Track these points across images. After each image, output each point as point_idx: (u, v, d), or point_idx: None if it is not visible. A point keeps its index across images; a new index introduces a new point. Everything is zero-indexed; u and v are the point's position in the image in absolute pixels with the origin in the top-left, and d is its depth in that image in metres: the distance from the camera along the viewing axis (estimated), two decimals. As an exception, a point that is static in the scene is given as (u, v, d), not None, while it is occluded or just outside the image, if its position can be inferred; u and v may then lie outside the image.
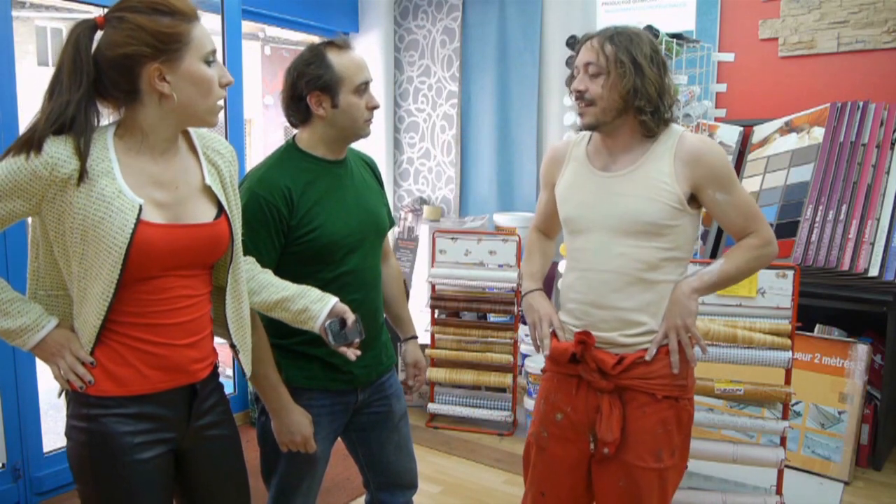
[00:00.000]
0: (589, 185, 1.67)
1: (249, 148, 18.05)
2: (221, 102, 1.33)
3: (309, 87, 1.60)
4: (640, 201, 1.58)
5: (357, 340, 1.51)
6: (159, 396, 1.31)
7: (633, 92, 1.54)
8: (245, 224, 1.50)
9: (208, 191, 1.37)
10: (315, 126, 1.65)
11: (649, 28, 2.96)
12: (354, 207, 1.69)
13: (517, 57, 4.21)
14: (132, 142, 1.27)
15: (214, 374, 1.45)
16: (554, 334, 1.71)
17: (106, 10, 1.25)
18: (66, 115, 1.20)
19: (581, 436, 1.68)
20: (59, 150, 1.19)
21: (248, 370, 1.51)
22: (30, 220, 1.30)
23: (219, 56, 1.35)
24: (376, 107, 1.66)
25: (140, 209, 1.23)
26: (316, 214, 1.61)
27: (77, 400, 1.29)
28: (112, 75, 1.23)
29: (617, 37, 1.56)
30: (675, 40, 3.02)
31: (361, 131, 1.67)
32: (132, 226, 1.22)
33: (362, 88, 1.63)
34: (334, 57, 1.60)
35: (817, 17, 3.38)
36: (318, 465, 1.74)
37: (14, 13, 2.78)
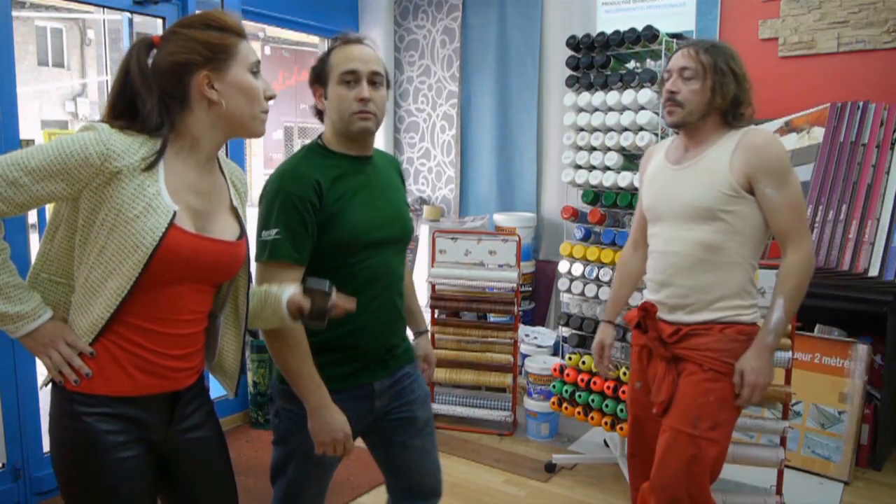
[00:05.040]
0: (662, 178, 1.91)
1: (249, 147, 18.04)
2: (266, 114, 1.38)
3: (310, 81, 1.65)
4: (697, 189, 1.79)
5: (332, 290, 1.43)
6: (143, 400, 1.32)
7: (732, 97, 1.77)
8: (280, 223, 1.53)
9: (234, 212, 1.43)
10: (326, 120, 1.65)
11: (649, 28, 2.96)
12: (382, 205, 1.66)
13: (517, 57, 4.21)
14: (181, 146, 1.31)
15: (199, 379, 1.46)
16: (643, 307, 1.93)
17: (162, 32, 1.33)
18: (153, 120, 1.26)
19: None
20: (117, 143, 1.22)
21: (233, 392, 1.53)
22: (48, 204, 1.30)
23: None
24: (363, 98, 1.57)
25: (174, 215, 1.26)
26: (343, 207, 1.58)
27: (62, 396, 1.29)
28: (164, 83, 1.29)
29: (713, 48, 1.79)
30: (675, 40, 3.02)
31: (351, 125, 1.59)
32: (164, 228, 1.24)
33: (347, 78, 1.57)
34: (335, 50, 1.61)
35: (817, 17, 3.38)
36: (329, 471, 1.72)
37: (14, 13, 2.79)
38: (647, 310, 1.88)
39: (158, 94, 1.28)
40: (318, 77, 1.62)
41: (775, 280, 1.79)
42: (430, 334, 2.01)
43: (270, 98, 1.37)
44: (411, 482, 1.82)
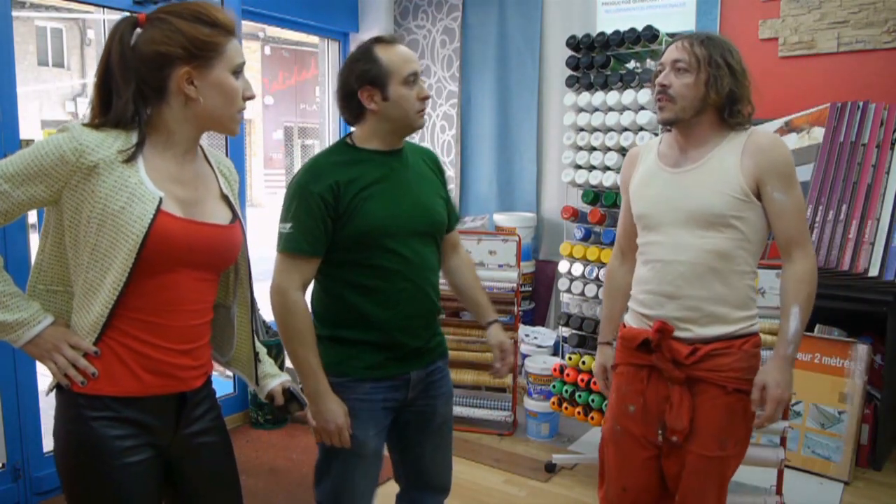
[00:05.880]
0: (658, 183, 1.76)
1: (249, 147, 18.05)
2: (243, 113, 1.38)
3: (359, 82, 1.64)
4: (707, 194, 1.67)
5: (306, 405, 1.60)
6: (149, 401, 1.31)
7: (728, 92, 1.65)
8: (294, 218, 1.61)
9: (224, 199, 1.42)
10: (369, 121, 1.68)
11: (649, 28, 2.96)
12: (406, 198, 1.69)
13: (517, 57, 4.21)
14: (157, 139, 1.30)
15: (207, 382, 1.45)
16: (659, 328, 1.75)
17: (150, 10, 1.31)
18: (127, 113, 1.25)
19: (651, 427, 1.77)
20: (89, 139, 1.22)
21: (253, 382, 1.55)
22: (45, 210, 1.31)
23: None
24: (427, 97, 1.68)
25: (160, 201, 1.25)
26: (362, 201, 1.63)
27: (67, 400, 1.29)
28: (143, 70, 1.26)
29: (708, 40, 1.68)
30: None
31: (415, 123, 1.69)
32: (151, 215, 1.23)
33: (411, 80, 1.65)
34: (382, 51, 1.64)
35: (817, 17, 3.38)
36: (371, 463, 1.73)
37: (14, 13, 2.79)
38: (664, 330, 1.70)
39: (135, 82, 1.26)
40: (374, 79, 1.63)
41: (785, 286, 1.68)
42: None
43: (249, 99, 1.36)
44: (420, 475, 1.86)
